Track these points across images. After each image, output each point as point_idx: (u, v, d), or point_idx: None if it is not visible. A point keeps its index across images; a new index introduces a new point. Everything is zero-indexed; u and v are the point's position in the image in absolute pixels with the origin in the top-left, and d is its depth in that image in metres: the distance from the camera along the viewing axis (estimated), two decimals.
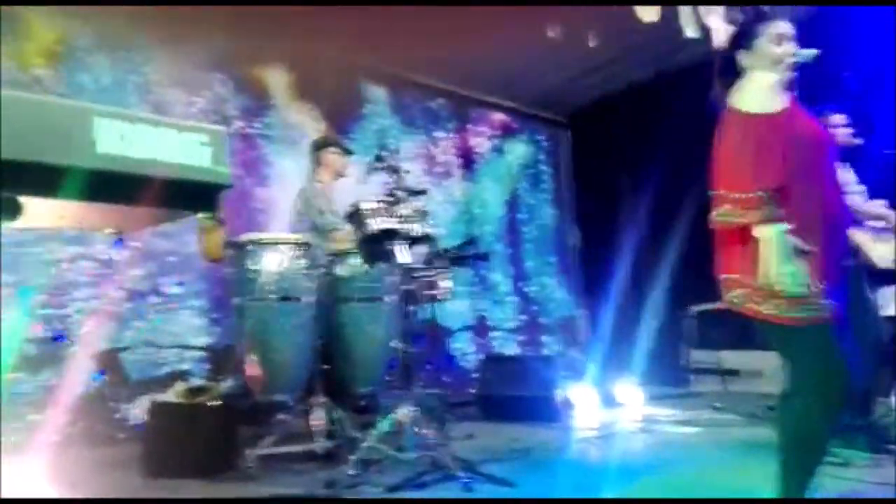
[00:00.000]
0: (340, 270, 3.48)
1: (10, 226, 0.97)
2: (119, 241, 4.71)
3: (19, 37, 4.08)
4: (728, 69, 2.05)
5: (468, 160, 6.58)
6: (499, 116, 6.89)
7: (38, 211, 0.97)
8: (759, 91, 1.94)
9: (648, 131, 5.98)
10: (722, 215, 1.90)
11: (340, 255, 3.50)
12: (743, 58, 2.02)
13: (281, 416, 4.45)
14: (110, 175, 0.96)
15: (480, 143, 6.72)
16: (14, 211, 0.85)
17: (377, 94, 5.92)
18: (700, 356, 5.93)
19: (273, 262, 3.23)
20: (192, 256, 4.58)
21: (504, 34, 5.08)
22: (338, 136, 4.31)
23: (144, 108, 4.50)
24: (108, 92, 4.37)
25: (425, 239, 3.29)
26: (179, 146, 1.04)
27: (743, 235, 1.87)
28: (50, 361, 4.12)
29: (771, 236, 1.80)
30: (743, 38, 2.04)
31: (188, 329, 4.69)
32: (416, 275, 3.56)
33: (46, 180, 0.91)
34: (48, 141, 0.90)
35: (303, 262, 3.30)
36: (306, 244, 3.38)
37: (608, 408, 5.02)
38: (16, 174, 0.88)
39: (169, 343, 4.58)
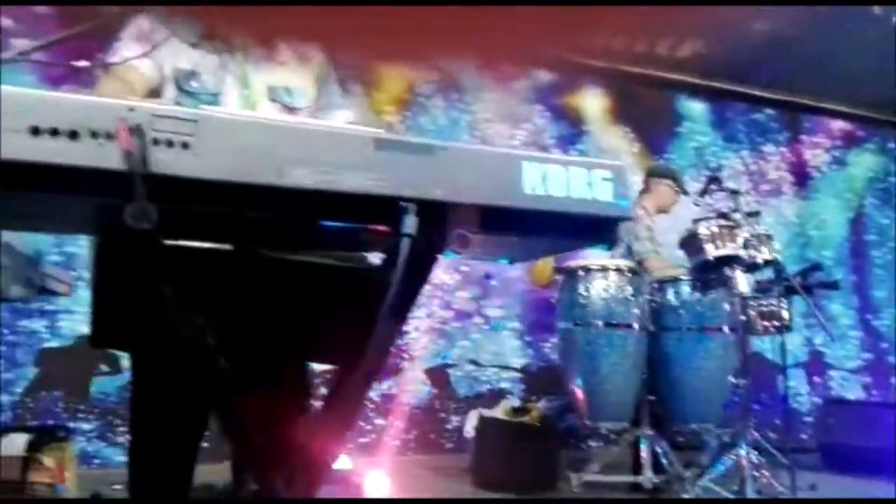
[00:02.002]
0: (669, 298, 3.34)
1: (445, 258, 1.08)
2: None
3: (374, 88, 4.74)
4: None
5: (802, 175, 5.90)
6: (839, 124, 6.06)
7: None
8: None
9: None
10: None
11: (668, 282, 3.37)
12: None
13: (593, 443, 4.45)
14: (532, 213, 1.01)
15: (817, 155, 5.98)
16: (465, 246, 0.94)
17: (695, 109, 5.64)
18: None
19: (601, 288, 3.23)
20: (512, 280, 4.81)
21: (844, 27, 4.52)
22: (677, 171, 4.13)
23: (473, 142, 4.90)
24: (444, 131, 4.84)
25: (769, 265, 3.02)
26: (587, 183, 1.06)
27: None
28: (392, 372, 4.64)
29: None
30: None
31: (506, 350, 4.92)
32: (753, 303, 3.27)
33: (483, 219, 0.99)
34: (486, 184, 0.98)
35: (629, 288, 3.24)
36: (634, 271, 3.32)
37: None
38: (458, 214, 0.97)
39: (489, 362, 4.85)
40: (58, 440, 2.58)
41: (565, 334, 3.34)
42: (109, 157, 0.80)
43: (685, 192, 3.90)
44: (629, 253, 3.70)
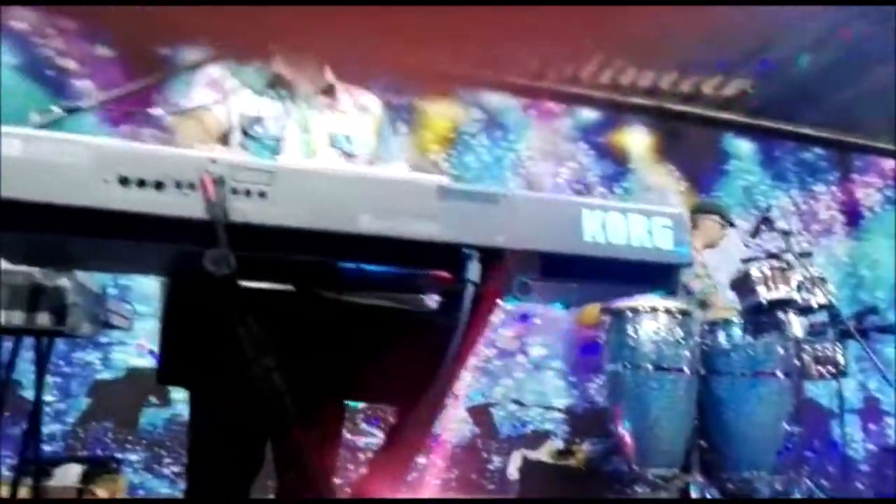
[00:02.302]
0: (720, 341, 3.27)
1: (504, 304, 1.09)
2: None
3: (420, 127, 4.82)
4: None
5: (854, 215, 5.77)
6: (891, 164, 5.94)
7: None
8: None
9: None
10: None
11: (719, 325, 3.30)
12: None
13: (640, 489, 4.33)
14: (592, 260, 1.02)
15: (869, 195, 5.85)
16: (527, 293, 0.96)
17: (743, 148, 5.59)
18: None
19: (650, 330, 3.18)
20: (556, 320, 4.77)
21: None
22: (722, 205, 4.11)
23: (517, 181, 4.93)
24: (489, 169, 4.88)
25: (823, 309, 2.95)
26: (646, 230, 1.06)
27: None
28: None
29: None
30: None
31: (550, 390, 4.85)
32: (806, 347, 3.18)
33: (544, 266, 1.00)
34: (547, 231, 0.99)
35: (680, 330, 3.19)
36: (684, 312, 3.26)
37: None
38: (520, 261, 0.98)
39: (532, 402, 4.78)
40: (110, 472, 2.64)
41: (613, 376, 3.29)
42: (192, 207, 0.84)
43: (732, 224, 3.86)
44: (686, 292, 3.65)
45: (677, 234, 1.09)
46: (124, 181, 0.82)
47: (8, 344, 1.96)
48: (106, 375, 3.82)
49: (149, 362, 3.79)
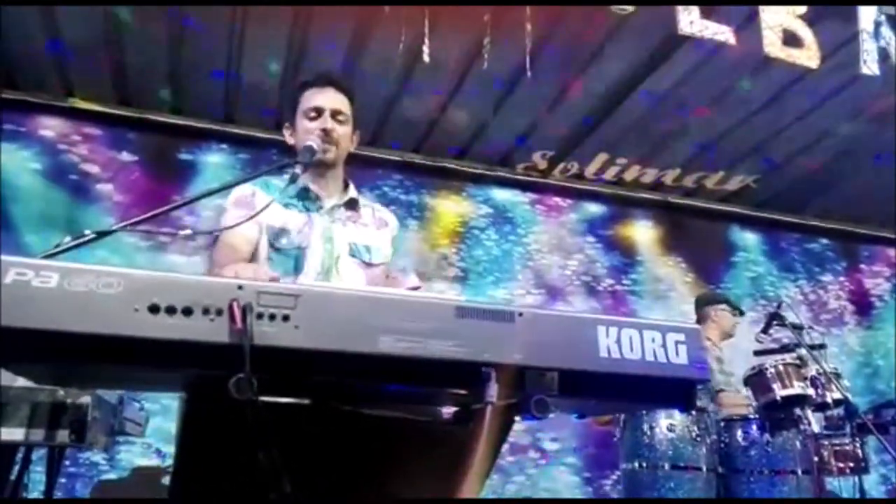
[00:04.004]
0: (737, 438, 3.19)
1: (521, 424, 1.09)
2: None
3: (430, 222, 4.90)
4: None
5: (864, 304, 5.76)
6: None
7: None
8: None
9: None
10: None
11: (736, 422, 3.24)
12: None
13: None
14: (608, 376, 1.03)
15: (878, 284, 5.86)
16: (545, 411, 0.96)
17: (749, 240, 5.65)
18: None
19: (665, 427, 3.12)
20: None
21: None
22: (728, 295, 4.15)
23: (526, 273, 4.97)
24: (497, 262, 4.94)
25: (839, 404, 2.90)
26: (661, 346, 1.08)
27: None
28: None
29: None
30: None
31: (563, 486, 4.71)
32: (825, 443, 3.11)
33: (562, 383, 1.01)
34: (563, 348, 1.00)
35: (696, 428, 3.13)
36: (700, 409, 3.21)
37: None
38: (537, 379, 0.99)
39: (549, 499, 4.63)
40: None
41: (629, 476, 3.20)
42: (219, 332, 0.86)
43: (742, 312, 3.86)
44: (702, 388, 3.59)
45: (692, 349, 1.09)
46: (154, 309, 0.85)
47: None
48: (111, 476, 3.75)
49: (155, 461, 3.73)
